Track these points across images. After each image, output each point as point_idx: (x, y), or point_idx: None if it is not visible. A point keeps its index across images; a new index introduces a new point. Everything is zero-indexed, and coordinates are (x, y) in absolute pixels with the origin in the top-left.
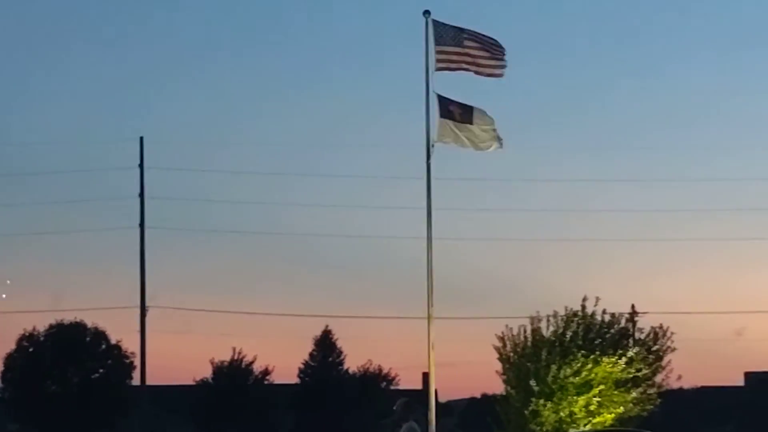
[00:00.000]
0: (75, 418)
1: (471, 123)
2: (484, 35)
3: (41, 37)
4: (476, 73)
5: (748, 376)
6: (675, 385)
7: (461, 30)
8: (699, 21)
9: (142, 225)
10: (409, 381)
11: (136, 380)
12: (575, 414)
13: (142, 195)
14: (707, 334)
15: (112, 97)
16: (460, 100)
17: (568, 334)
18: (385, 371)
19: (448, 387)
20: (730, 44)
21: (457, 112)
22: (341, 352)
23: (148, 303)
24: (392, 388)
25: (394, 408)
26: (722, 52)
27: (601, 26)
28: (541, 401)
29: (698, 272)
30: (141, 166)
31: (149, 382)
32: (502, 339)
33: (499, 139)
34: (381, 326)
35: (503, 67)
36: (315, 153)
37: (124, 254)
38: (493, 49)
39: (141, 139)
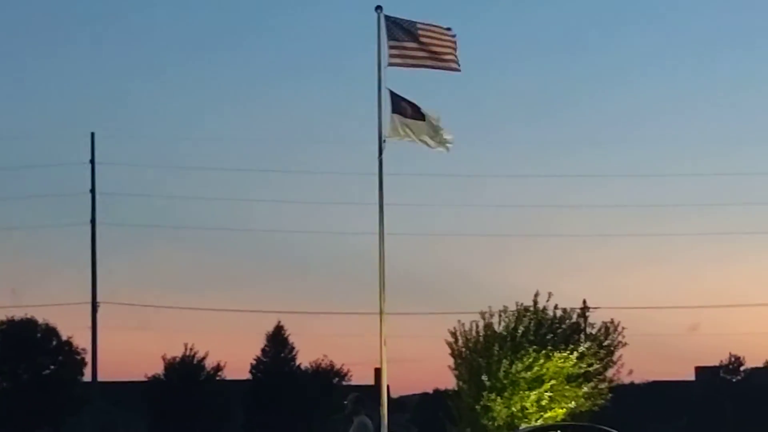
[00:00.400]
0: (26, 414)
1: (422, 120)
2: (437, 26)
3: None
4: (431, 67)
5: (699, 370)
6: (626, 379)
7: (414, 23)
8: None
9: (93, 221)
10: (362, 376)
11: (87, 376)
12: (527, 409)
13: (93, 191)
14: (658, 328)
15: (63, 92)
16: (412, 97)
17: (520, 329)
18: (337, 367)
19: (400, 382)
20: (672, 48)
21: (408, 109)
22: (293, 348)
23: (100, 299)
24: (344, 383)
25: (345, 403)
26: (663, 56)
27: (543, 24)
28: (493, 396)
29: (649, 268)
30: (92, 161)
31: (101, 378)
32: (454, 334)
33: (448, 140)
34: (333, 322)
35: (457, 60)
36: (267, 149)
37: (75, 250)
38: (446, 41)
39: (92, 134)
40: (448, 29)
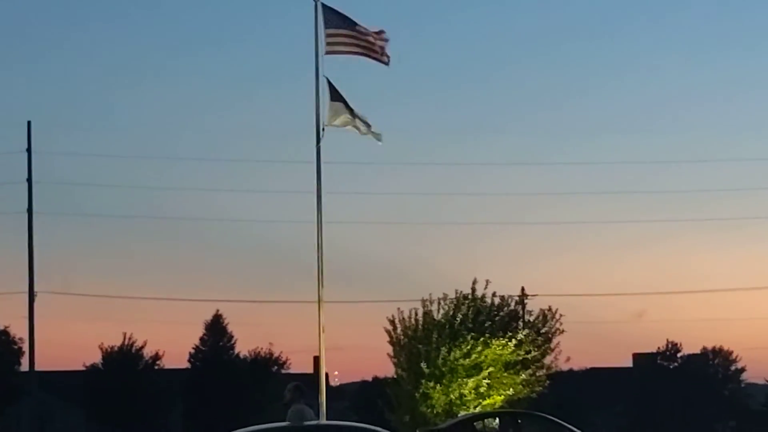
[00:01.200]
0: None
1: (354, 115)
2: (368, 29)
3: None
4: (366, 56)
5: (637, 357)
6: (564, 366)
7: (351, 20)
8: None
9: (30, 210)
10: (301, 365)
11: (24, 366)
12: (465, 396)
13: (29, 180)
14: (596, 315)
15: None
16: (344, 83)
17: (459, 316)
18: (276, 355)
19: (339, 370)
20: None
21: (345, 98)
22: (232, 337)
23: (37, 289)
24: (284, 372)
25: (285, 392)
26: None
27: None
28: (432, 383)
29: (587, 255)
30: (29, 150)
31: (38, 368)
32: (392, 322)
33: (378, 134)
34: (272, 310)
35: (388, 57)
36: (204, 137)
37: (11, 239)
38: (379, 39)
39: (29, 123)
40: (381, 31)
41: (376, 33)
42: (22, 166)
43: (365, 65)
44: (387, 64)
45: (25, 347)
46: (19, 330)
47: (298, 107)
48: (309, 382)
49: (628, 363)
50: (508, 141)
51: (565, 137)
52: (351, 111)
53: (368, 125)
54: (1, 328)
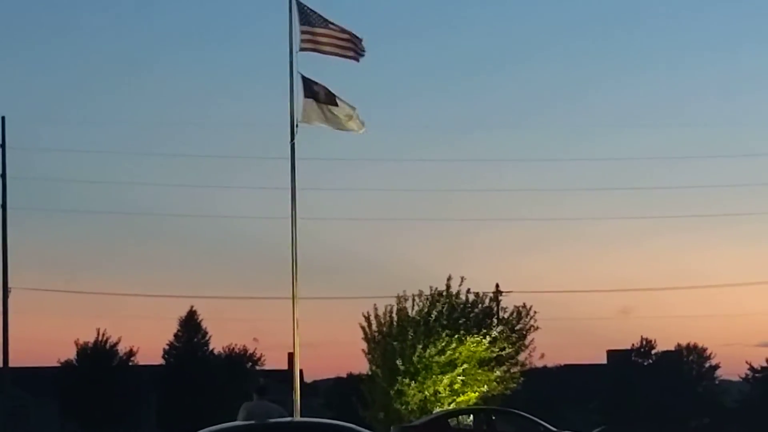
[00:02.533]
0: None
1: (335, 104)
2: (343, 28)
3: None
4: (338, 55)
5: (611, 354)
6: (538, 363)
7: (324, 19)
8: None
9: (3, 206)
10: (276, 361)
11: None
12: (440, 393)
13: (3, 175)
14: (570, 312)
15: None
16: (319, 80)
17: (434, 313)
18: (250, 351)
19: (313, 367)
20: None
21: (321, 93)
22: (206, 333)
23: (11, 284)
24: (258, 368)
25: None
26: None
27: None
28: (406, 380)
29: (561, 252)
30: (3, 146)
31: (12, 364)
32: (367, 318)
33: (361, 123)
34: (247, 306)
35: (362, 54)
36: (179, 132)
37: None
38: (353, 40)
39: (2, 118)
40: (355, 36)
41: (349, 34)
42: None
43: (342, 61)
44: (358, 60)
45: None
46: None
47: (273, 103)
48: (284, 378)
49: (603, 360)
50: (485, 138)
51: (543, 135)
52: (330, 100)
53: (350, 115)
54: None
